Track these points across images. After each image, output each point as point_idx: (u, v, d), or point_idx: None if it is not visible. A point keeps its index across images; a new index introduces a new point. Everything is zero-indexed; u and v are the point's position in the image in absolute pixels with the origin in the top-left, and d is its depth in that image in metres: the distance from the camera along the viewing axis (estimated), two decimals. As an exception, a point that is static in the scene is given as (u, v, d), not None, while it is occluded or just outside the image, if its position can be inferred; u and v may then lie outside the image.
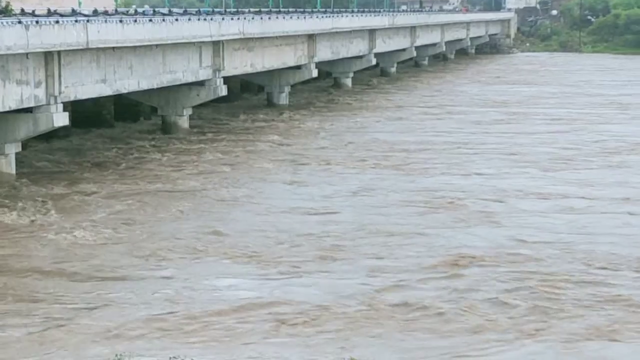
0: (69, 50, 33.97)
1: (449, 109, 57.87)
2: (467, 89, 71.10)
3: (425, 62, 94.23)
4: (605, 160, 38.70)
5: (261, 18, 52.02)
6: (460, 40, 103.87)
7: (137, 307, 19.80)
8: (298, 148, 42.10)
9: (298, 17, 58.26)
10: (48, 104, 33.55)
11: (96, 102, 44.25)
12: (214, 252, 24.38)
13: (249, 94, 63.80)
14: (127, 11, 50.46)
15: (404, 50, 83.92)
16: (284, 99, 58.54)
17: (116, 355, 16.07)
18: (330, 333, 18.38)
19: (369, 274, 22.40)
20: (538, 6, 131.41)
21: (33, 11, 37.53)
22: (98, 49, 35.96)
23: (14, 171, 33.62)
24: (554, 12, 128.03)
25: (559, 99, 63.46)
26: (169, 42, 41.13)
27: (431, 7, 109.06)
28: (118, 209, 29.12)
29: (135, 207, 29.47)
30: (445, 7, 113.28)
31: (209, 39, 44.68)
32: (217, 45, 46.27)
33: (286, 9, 68.74)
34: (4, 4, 38.82)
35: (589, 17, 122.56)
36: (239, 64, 50.14)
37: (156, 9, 52.41)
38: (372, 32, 73.03)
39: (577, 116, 53.54)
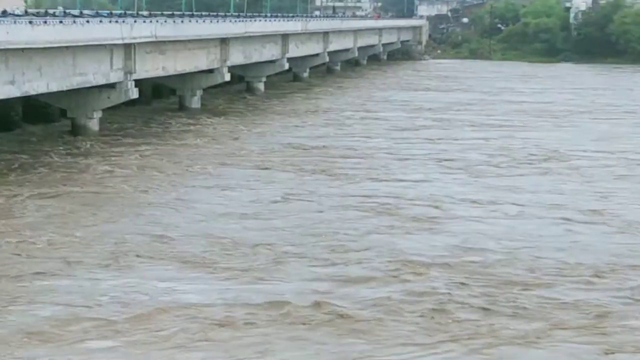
0: (-23, 51, 32.64)
1: (370, 114, 57.17)
2: (386, 95, 70.62)
3: (338, 68, 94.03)
4: (533, 166, 38.33)
5: (174, 21, 51.52)
6: (373, 46, 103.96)
7: (61, 309, 19.31)
8: (221, 152, 41.25)
9: (211, 21, 57.77)
10: (-45, 105, 32.07)
11: (4, 104, 42.68)
12: (153, 256, 23.68)
13: (160, 98, 62.51)
14: (38, 12, 48.95)
15: (316, 55, 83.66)
16: (196, 102, 57.72)
17: None
18: (256, 337, 17.94)
19: (310, 280, 21.85)
20: (449, 14, 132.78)
21: (-60, 12, 35.81)
22: (7, 50, 34.77)
23: None
24: (465, 20, 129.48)
25: (479, 105, 63.20)
26: (80, 44, 40.13)
27: (344, 13, 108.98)
28: (50, 213, 28.20)
29: (67, 211, 28.56)
30: (357, 13, 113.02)
31: (120, 42, 43.79)
32: (128, 48, 45.36)
33: (199, 13, 67.61)
34: None
35: (499, 26, 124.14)
36: (151, 67, 49.31)
37: (67, 10, 50.78)
38: (285, 37, 72.59)
39: (500, 123, 53.20)
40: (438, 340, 18.08)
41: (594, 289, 21.57)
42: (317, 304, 19.93)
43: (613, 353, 17.70)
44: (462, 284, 21.61)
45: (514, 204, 30.70)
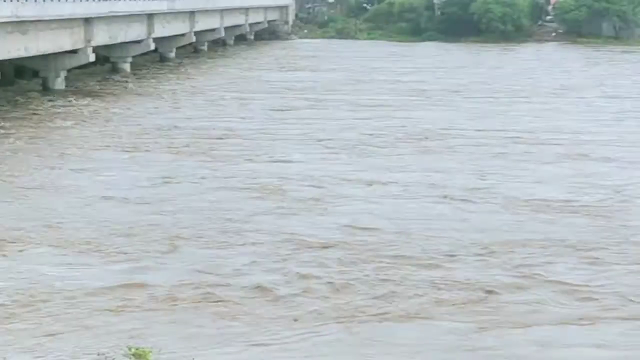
0: None
1: (243, 95, 56.21)
2: (257, 75, 69.69)
3: (205, 48, 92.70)
4: (412, 145, 38.24)
5: (35, 1, 49.63)
6: (240, 26, 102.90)
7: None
8: (95, 134, 40.14)
9: (74, 0, 55.99)
10: None
11: None
12: (40, 242, 23.07)
13: (23, 79, 60.41)
14: None
15: (183, 35, 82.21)
16: (60, 83, 56.16)
17: None
18: (134, 322, 17.75)
19: (201, 263, 21.58)
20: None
21: None
22: None
23: None
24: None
25: (353, 85, 62.76)
26: (-64, 24, 38.46)
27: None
28: None
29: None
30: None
31: (-22, 22, 42.15)
32: (-12, 28, 43.70)
33: (62, -9, 65.51)
34: None
35: (365, 5, 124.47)
36: (13, 47, 47.89)
37: None
38: (150, 17, 71.26)
39: (375, 102, 52.86)
40: (321, 323, 17.99)
41: (484, 267, 21.67)
42: (203, 287, 19.69)
43: (486, 330, 17.86)
44: (353, 264, 21.50)
45: (397, 182, 30.67)
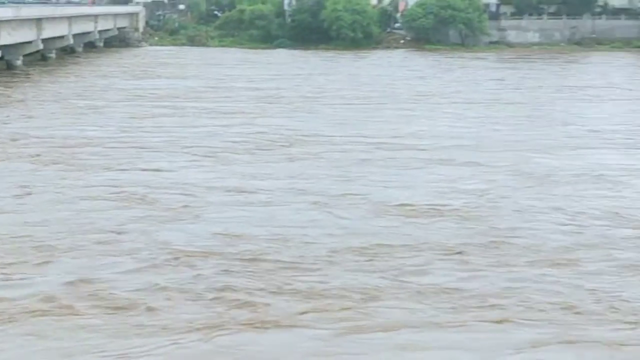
0: None
1: (98, 103, 54.61)
2: (110, 82, 68.02)
3: (53, 55, 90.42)
4: (276, 153, 37.81)
5: None
6: (89, 33, 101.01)
7: None
8: None
9: None
10: None
11: None
12: None
13: None
14: None
15: (30, 42, 79.91)
16: None
17: None
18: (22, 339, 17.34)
19: (68, 275, 21.05)
20: (166, 0, 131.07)
21: None
22: None
23: None
24: (182, 6, 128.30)
25: (212, 92, 61.78)
26: None
27: (58, 0, 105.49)
28: None
29: None
30: None
31: None
32: None
33: None
34: None
35: (216, 12, 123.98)
36: None
37: None
38: (-5, 24, 68.91)
39: (235, 110, 52.13)
40: (186, 333, 17.77)
41: (359, 272, 21.63)
42: (68, 299, 19.37)
43: (350, 335, 17.93)
44: (227, 272, 21.29)
45: (265, 190, 30.30)
